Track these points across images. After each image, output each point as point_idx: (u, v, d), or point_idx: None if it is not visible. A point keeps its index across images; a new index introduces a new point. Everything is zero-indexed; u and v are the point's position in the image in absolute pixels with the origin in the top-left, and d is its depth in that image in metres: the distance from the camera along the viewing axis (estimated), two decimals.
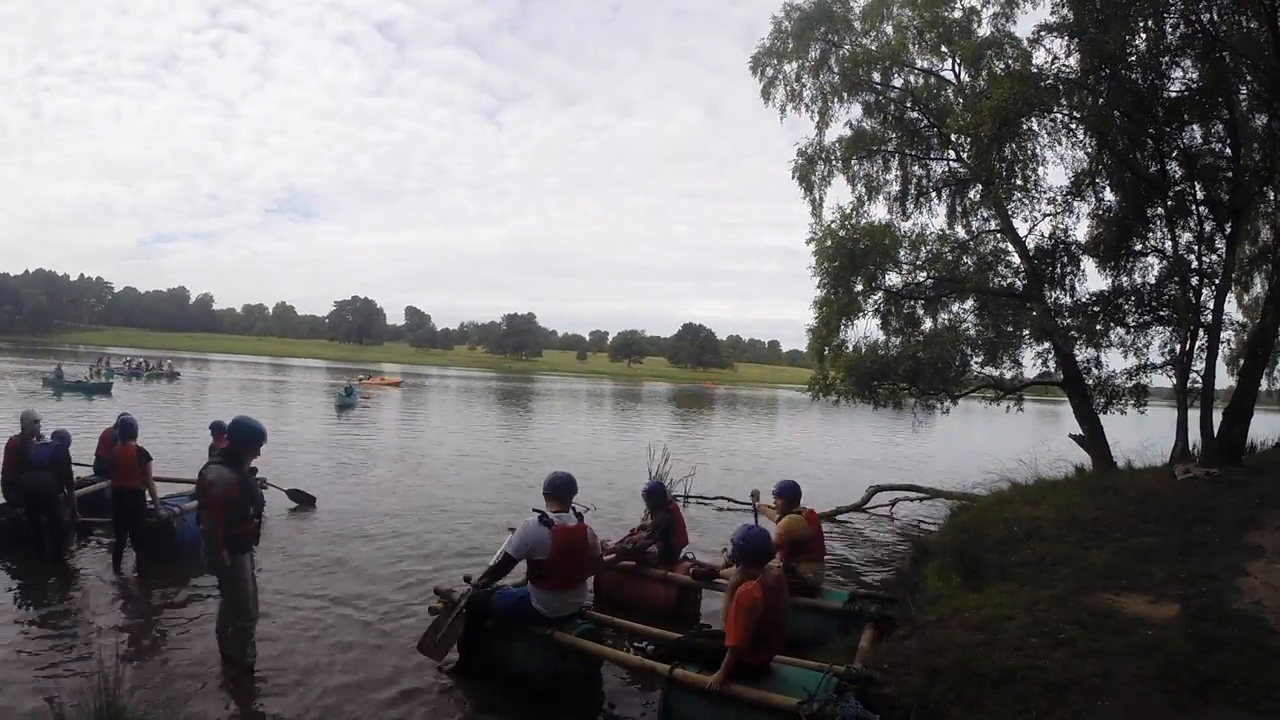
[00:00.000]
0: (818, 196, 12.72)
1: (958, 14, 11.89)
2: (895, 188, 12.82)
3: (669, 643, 4.65)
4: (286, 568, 7.37)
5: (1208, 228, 10.37)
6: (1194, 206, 10.43)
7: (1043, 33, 9.79)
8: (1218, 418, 9.63)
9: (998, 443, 20.23)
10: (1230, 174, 9.86)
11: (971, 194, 12.45)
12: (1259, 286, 11.78)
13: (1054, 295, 11.36)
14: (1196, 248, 10.33)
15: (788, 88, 12.66)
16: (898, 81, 12.38)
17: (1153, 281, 10.79)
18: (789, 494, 6.18)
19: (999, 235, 12.17)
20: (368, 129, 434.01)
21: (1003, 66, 11.05)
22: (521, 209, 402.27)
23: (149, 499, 7.21)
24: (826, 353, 12.17)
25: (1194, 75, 9.79)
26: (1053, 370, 11.61)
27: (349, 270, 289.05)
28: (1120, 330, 10.76)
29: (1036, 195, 11.39)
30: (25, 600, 6.03)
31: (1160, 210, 10.50)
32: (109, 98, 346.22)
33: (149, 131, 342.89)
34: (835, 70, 12.26)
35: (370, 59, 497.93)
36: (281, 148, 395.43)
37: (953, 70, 12.06)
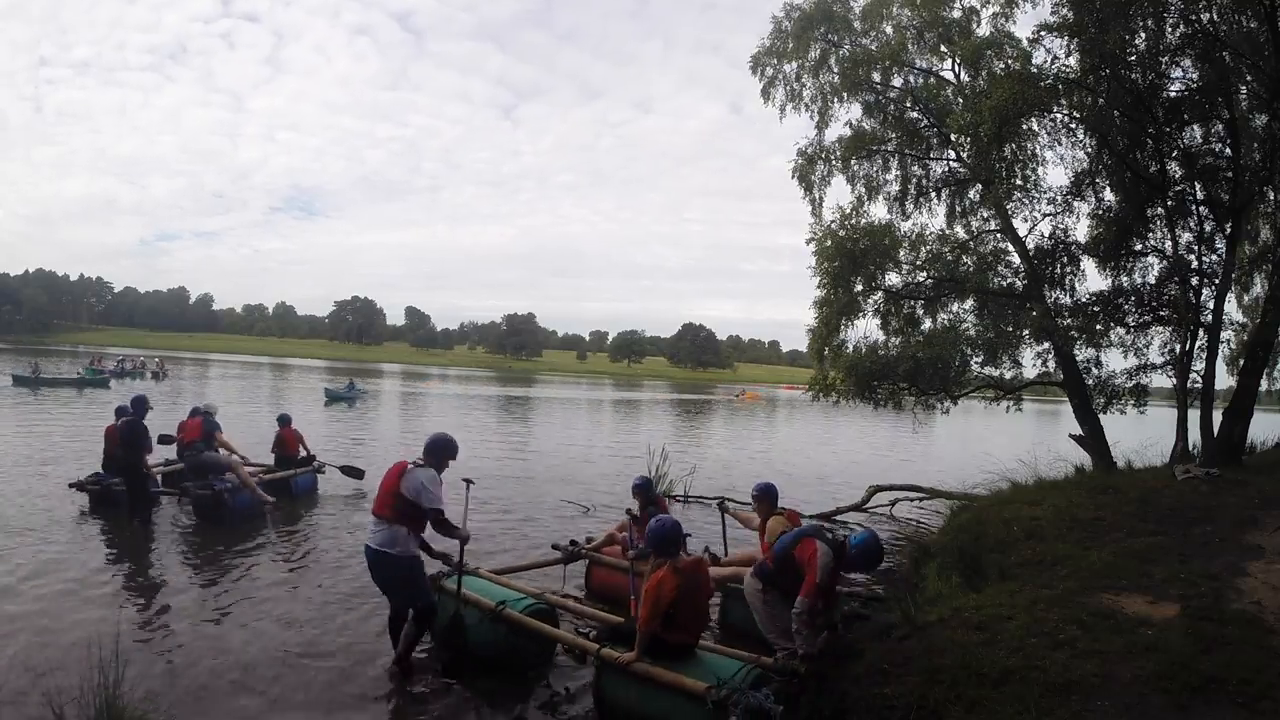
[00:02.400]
0: (817, 196, 12.73)
1: (957, 14, 11.89)
2: (895, 188, 12.82)
3: (607, 626, 4.90)
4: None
5: (1208, 228, 10.36)
6: (1194, 206, 10.41)
7: (1043, 33, 9.76)
8: (1218, 418, 9.62)
9: (997, 442, 20.24)
10: (1230, 174, 9.84)
11: (971, 194, 12.45)
12: (1259, 286, 11.76)
13: (1054, 295, 11.33)
14: (1196, 248, 10.31)
15: (787, 87, 12.65)
16: (897, 81, 12.38)
17: (1153, 281, 10.77)
18: (768, 496, 6.05)
19: (999, 235, 12.17)
20: (380, 124, 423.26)
21: (1002, 66, 11.03)
22: (533, 207, 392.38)
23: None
24: (826, 353, 12.16)
25: (1194, 75, 9.79)
26: (1053, 370, 11.60)
27: (353, 269, 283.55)
28: (1120, 330, 10.73)
29: (1036, 195, 11.40)
30: (34, 592, 6.04)
31: (1160, 210, 10.48)
32: (114, 91, 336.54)
33: (154, 126, 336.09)
34: (835, 70, 12.25)
35: (387, 51, 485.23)
36: (290, 144, 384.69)
37: (952, 70, 12.07)
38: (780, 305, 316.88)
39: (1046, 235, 11.54)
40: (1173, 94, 9.91)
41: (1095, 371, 11.24)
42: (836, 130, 12.79)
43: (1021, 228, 11.72)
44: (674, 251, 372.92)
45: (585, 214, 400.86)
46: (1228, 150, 9.88)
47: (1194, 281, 10.16)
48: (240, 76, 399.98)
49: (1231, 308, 11.35)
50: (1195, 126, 10.29)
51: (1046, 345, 11.23)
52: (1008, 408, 12.68)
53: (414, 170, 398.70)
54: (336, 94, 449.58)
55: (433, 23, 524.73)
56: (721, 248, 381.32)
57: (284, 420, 11.41)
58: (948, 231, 12.55)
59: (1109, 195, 11.07)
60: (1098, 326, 10.61)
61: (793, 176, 12.89)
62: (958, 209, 12.66)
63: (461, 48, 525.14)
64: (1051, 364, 11.53)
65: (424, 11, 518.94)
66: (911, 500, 12.32)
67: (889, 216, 12.63)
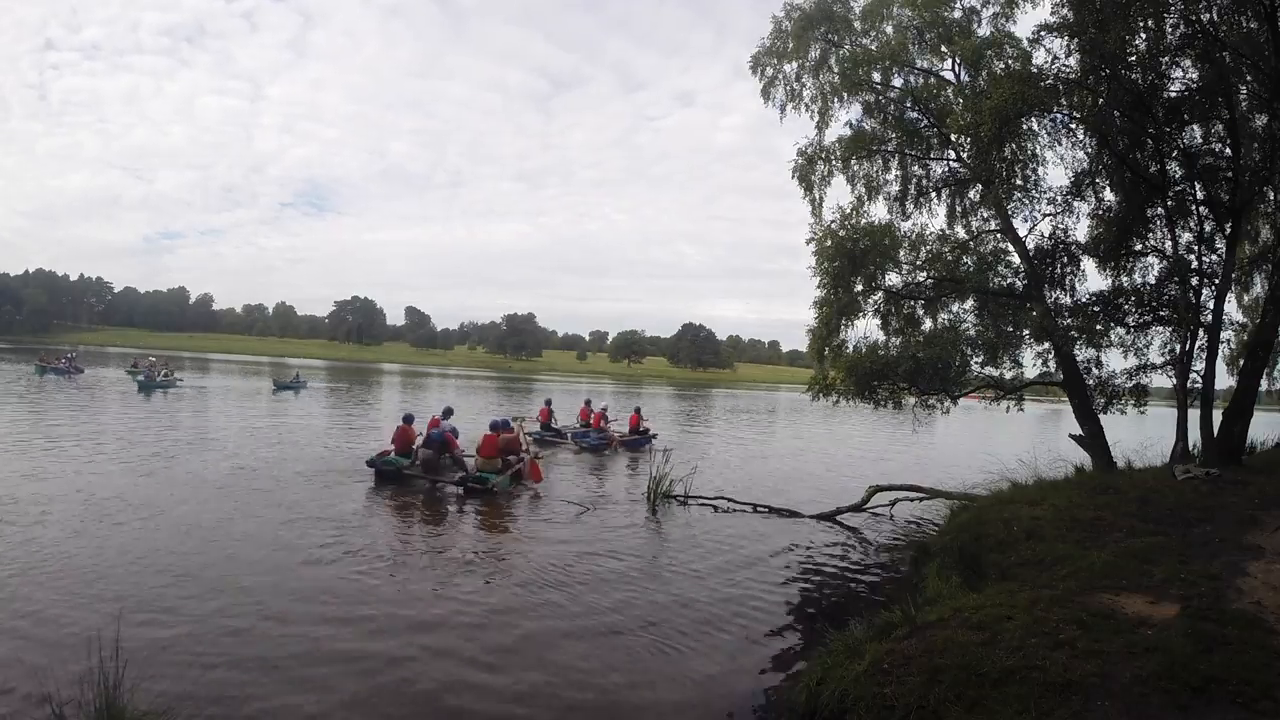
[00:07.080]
0: (818, 196, 12.70)
1: (958, 14, 11.89)
2: (895, 188, 12.83)
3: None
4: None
5: (1208, 228, 10.37)
6: (1194, 206, 10.43)
7: (1043, 33, 9.78)
8: (1218, 418, 9.63)
9: (998, 442, 20.24)
10: (1230, 174, 9.85)
11: (971, 194, 12.45)
12: (1259, 286, 11.78)
13: (1054, 295, 11.34)
14: (1196, 248, 10.33)
15: (787, 87, 12.64)
16: (898, 81, 12.38)
17: (1153, 281, 10.78)
18: (494, 425, 12.59)
19: (999, 235, 12.17)
20: (406, 115, 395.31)
21: (1003, 66, 11.04)
22: (558, 202, 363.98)
23: None
24: (826, 353, 12.15)
25: (1194, 75, 9.80)
26: (1053, 370, 11.60)
27: (362, 267, 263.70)
28: (1120, 330, 10.75)
29: (1036, 195, 11.41)
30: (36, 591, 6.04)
31: (1160, 210, 10.50)
32: (124, 76, 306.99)
33: (165, 116, 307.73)
34: (835, 70, 12.24)
35: (422, 34, 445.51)
36: (308, 134, 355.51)
37: (953, 70, 12.06)
38: (791, 305, 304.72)
39: (1046, 235, 11.58)
40: (1173, 94, 9.92)
41: (1095, 371, 11.25)
42: (836, 130, 12.83)
43: (1021, 228, 11.74)
44: (697, 250, 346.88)
45: (609, 211, 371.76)
46: (1228, 150, 9.90)
47: (1194, 281, 10.17)
48: (261, 61, 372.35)
49: (1231, 308, 11.41)
50: (1195, 126, 10.32)
51: (1046, 345, 11.23)
52: (1008, 408, 12.67)
53: (436, 164, 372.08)
54: (363, 81, 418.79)
55: (475, 5, 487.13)
56: (743, 246, 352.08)
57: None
58: (948, 231, 12.56)
59: (1109, 195, 11.11)
60: (1098, 326, 10.62)
61: (793, 176, 12.89)
62: (958, 209, 12.68)
63: (504, 32, 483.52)
64: (1052, 364, 11.53)
65: None
66: (911, 500, 12.29)
67: (889, 216, 12.65)
